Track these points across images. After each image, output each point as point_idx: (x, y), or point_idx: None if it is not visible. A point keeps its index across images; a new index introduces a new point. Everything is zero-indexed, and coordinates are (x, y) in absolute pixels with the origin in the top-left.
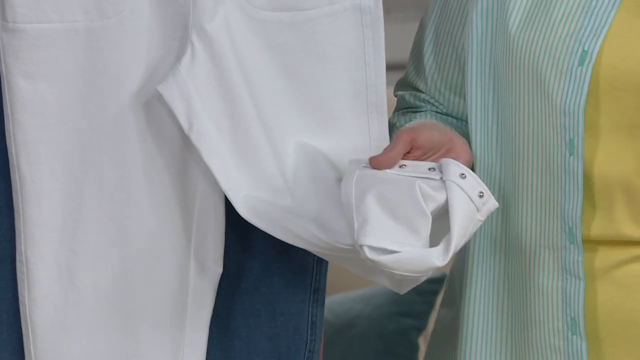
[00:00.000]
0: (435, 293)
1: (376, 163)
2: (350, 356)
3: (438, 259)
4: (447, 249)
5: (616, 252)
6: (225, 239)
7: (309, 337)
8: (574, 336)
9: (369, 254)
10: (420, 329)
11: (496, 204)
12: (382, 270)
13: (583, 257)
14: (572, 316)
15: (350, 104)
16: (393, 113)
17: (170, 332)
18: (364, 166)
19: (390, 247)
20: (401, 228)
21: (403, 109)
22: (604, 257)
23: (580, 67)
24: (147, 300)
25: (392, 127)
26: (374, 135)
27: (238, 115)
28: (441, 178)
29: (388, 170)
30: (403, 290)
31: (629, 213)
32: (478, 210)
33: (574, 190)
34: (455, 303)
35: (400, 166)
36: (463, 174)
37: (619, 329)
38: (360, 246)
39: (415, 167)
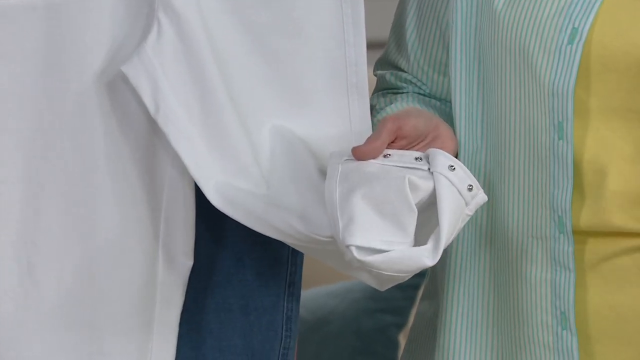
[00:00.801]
0: (416, 287)
1: (360, 154)
2: (325, 354)
3: (428, 258)
4: (436, 247)
5: (606, 243)
6: (196, 229)
7: (283, 333)
8: (564, 331)
9: (357, 254)
10: (400, 325)
11: (485, 198)
12: (369, 270)
13: (573, 247)
14: (562, 310)
15: (329, 85)
16: (372, 94)
17: (138, 329)
18: (346, 159)
19: (378, 247)
20: (388, 225)
21: (383, 90)
22: (594, 249)
23: (570, 46)
24: (113, 296)
25: (371, 109)
26: (355, 118)
27: (208, 97)
28: (428, 169)
29: (372, 161)
30: (384, 287)
31: (620, 202)
32: (467, 204)
33: (563, 176)
34: (437, 296)
35: (385, 155)
36: (452, 166)
37: (609, 326)
38: (347, 246)
39: (401, 157)
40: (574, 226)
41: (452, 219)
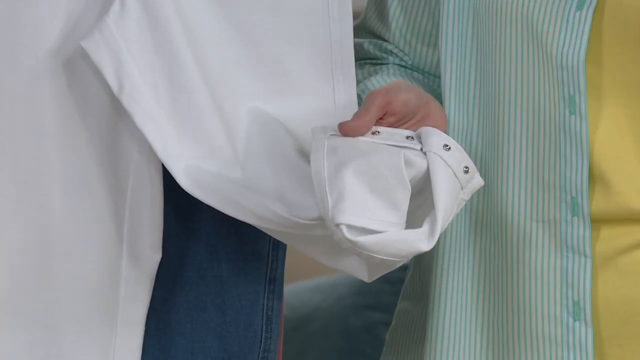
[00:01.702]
0: None
1: (347, 130)
2: (309, 356)
3: (423, 242)
4: (433, 231)
5: (623, 232)
6: (165, 219)
7: (263, 335)
8: (577, 322)
9: (348, 234)
10: (390, 323)
11: (481, 182)
12: (359, 253)
13: (590, 231)
14: (575, 300)
15: (312, 64)
16: None
17: (99, 328)
18: (331, 134)
19: (370, 227)
20: (380, 203)
21: (360, 60)
22: (608, 238)
23: (579, 12)
24: (71, 292)
25: None
26: (340, 100)
27: (178, 75)
28: (421, 149)
29: (360, 138)
30: (373, 277)
31: (637, 185)
32: (462, 188)
33: (578, 153)
34: (422, 296)
35: (373, 133)
36: (447, 146)
37: (625, 326)
38: (337, 225)
39: (391, 135)
40: None
41: (448, 202)
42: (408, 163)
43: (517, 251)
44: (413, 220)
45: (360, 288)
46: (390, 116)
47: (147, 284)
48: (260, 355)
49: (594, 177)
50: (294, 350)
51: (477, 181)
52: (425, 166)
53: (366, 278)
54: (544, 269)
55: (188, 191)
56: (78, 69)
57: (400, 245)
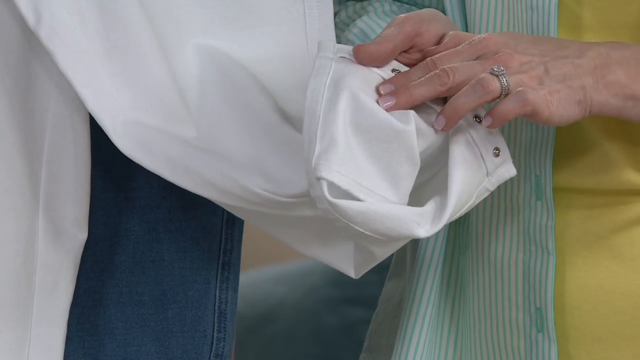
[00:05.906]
0: None
1: (363, 55)
2: None
3: (422, 226)
4: (437, 217)
5: (619, 207)
6: (93, 188)
7: (215, 335)
8: (540, 335)
9: (328, 192)
10: None
11: (513, 172)
12: (337, 228)
13: (553, 219)
14: (537, 306)
15: None
16: None
17: (7, 329)
18: (341, 56)
19: (357, 194)
20: (376, 171)
21: None
22: (600, 214)
23: None
24: None
25: None
26: (313, 33)
27: (112, 3)
28: None
29: (376, 70)
30: (360, 271)
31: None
32: (488, 174)
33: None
34: (405, 273)
35: (393, 70)
36: (477, 117)
37: (624, 325)
38: (318, 179)
39: None
40: (567, 182)
41: (465, 188)
42: (420, 131)
43: (479, 238)
44: (414, 200)
45: (338, 277)
46: (417, 52)
47: (70, 272)
48: None
49: (572, 141)
50: (250, 358)
51: (508, 169)
52: (441, 139)
53: (352, 273)
54: (504, 264)
55: (128, 155)
56: None
57: (391, 222)
